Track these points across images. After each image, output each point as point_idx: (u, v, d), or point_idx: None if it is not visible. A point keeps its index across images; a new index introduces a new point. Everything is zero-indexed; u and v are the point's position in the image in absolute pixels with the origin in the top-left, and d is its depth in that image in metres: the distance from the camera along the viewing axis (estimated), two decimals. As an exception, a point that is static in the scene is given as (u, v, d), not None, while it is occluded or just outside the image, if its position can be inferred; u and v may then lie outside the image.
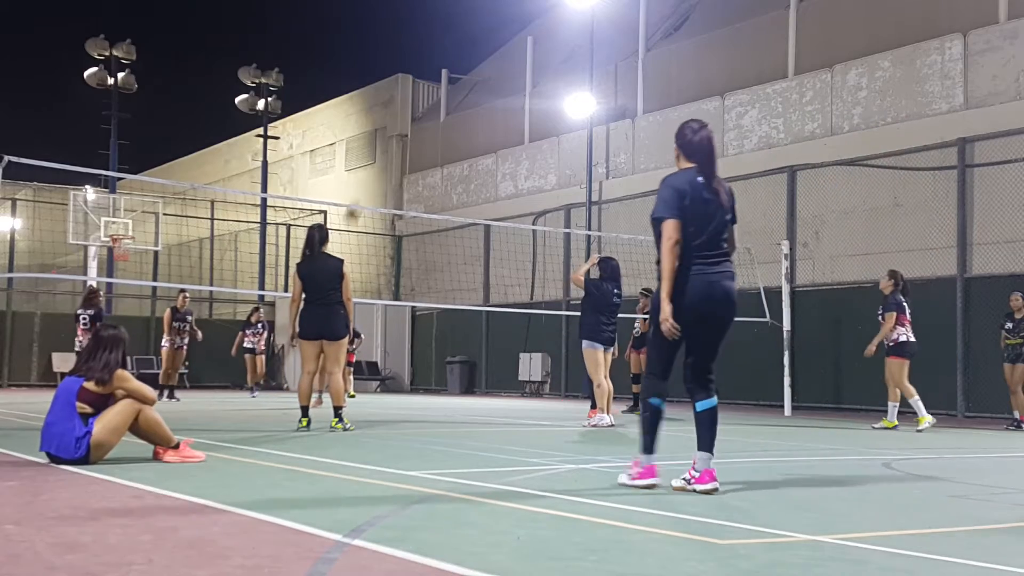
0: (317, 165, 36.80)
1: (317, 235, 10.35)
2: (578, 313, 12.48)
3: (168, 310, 18.36)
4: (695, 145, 5.79)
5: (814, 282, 19.68)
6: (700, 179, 5.72)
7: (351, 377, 20.14)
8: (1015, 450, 9.95)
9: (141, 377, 7.73)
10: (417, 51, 73.96)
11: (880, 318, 12.86)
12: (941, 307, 16.97)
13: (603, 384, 11.82)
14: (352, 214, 32.14)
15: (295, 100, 36.61)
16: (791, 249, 18.79)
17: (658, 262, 5.71)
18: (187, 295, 18.53)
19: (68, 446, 6.39)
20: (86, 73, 29.92)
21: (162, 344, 18.19)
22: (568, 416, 14.81)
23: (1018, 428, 13.35)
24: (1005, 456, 9.29)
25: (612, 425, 11.68)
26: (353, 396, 19.28)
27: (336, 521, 4.33)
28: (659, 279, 5.69)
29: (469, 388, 27.21)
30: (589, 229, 23.63)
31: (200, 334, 18.35)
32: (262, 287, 30.57)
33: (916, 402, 12.51)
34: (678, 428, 10.38)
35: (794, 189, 20.18)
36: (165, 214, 26.01)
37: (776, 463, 7.83)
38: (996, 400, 15.48)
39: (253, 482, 5.89)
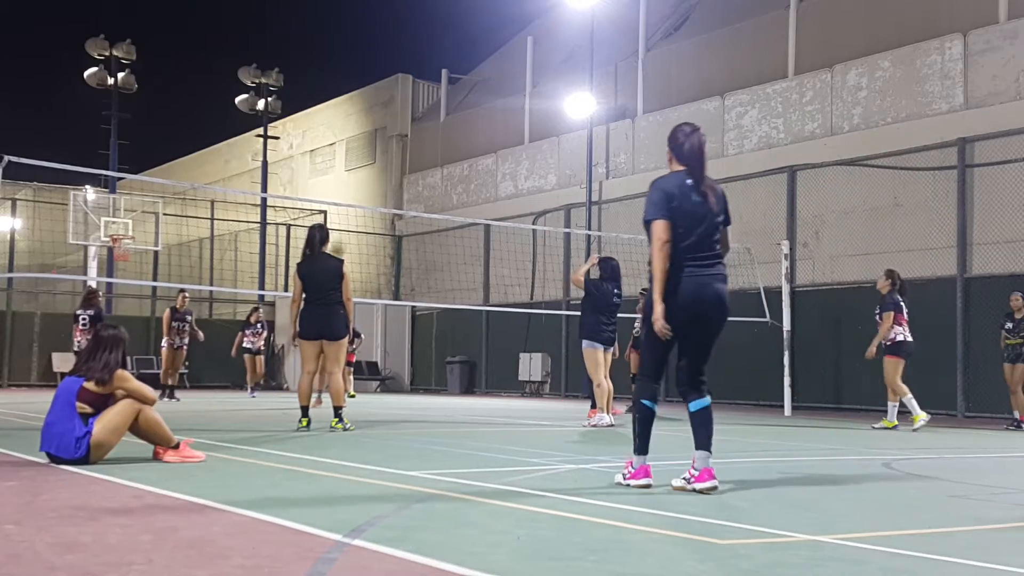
0: (317, 165, 36.81)
1: (318, 235, 10.35)
2: (578, 313, 12.49)
3: (168, 310, 18.36)
4: (686, 148, 5.86)
5: (814, 282, 19.68)
6: (689, 182, 5.79)
7: (351, 377, 20.14)
8: (1015, 450, 9.95)
9: (141, 377, 7.73)
10: (417, 51, 74.02)
11: (878, 318, 12.87)
12: (941, 307, 16.97)
13: (603, 384, 11.82)
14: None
15: (295, 100, 36.66)
16: (791, 249, 18.79)
17: (650, 263, 5.79)
18: (186, 295, 18.52)
19: (68, 446, 6.39)
20: (86, 73, 29.91)
21: (162, 344, 18.20)
22: (568, 416, 14.81)
23: (1018, 428, 13.35)
24: (1005, 456, 9.29)
25: (612, 425, 11.68)
26: (353, 396, 19.27)
27: (336, 521, 4.33)
28: (651, 280, 5.75)
29: (469, 388, 27.21)
30: (589, 229, 23.63)
31: (201, 334, 18.34)
32: (262, 287, 30.57)
33: (909, 400, 12.52)
34: (676, 428, 10.38)
35: (794, 189, 20.18)
36: (165, 214, 26.01)
37: (776, 463, 7.83)
38: (996, 400, 15.48)
39: (253, 482, 5.90)
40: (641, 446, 5.78)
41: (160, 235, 24.23)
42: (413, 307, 28.95)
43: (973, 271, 17.12)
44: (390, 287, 31.26)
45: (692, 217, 5.71)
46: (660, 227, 5.65)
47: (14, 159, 10.31)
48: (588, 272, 12.33)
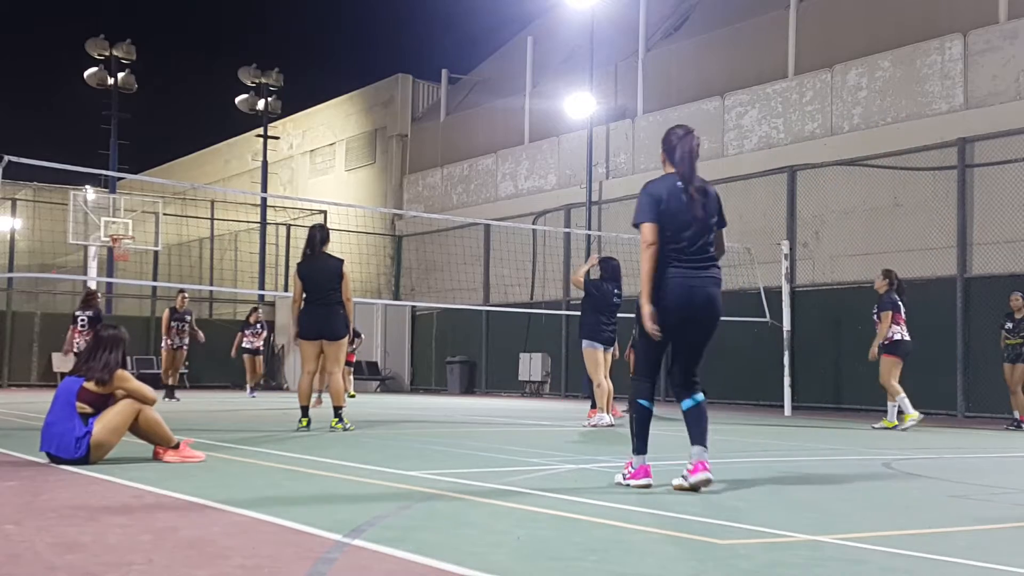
0: (317, 165, 36.81)
1: (319, 235, 10.35)
2: (578, 313, 12.49)
3: (167, 310, 18.34)
4: (678, 151, 5.92)
5: (814, 282, 19.68)
6: (679, 184, 5.83)
7: (351, 377, 20.14)
8: (1015, 450, 9.95)
9: (141, 377, 7.73)
10: (417, 51, 74.02)
11: (876, 318, 12.87)
12: (941, 307, 16.98)
13: (603, 384, 11.82)
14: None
15: (295, 100, 36.66)
16: (791, 249, 18.79)
17: None
18: (186, 295, 18.50)
19: (68, 446, 6.39)
20: (86, 73, 29.92)
21: (162, 345, 18.19)
22: (568, 416, 14.81)
23: (1018, 428, 13.35)
24: (1005, 456, 9.29)
25: (612, 425, 11.67)
26: (353, 396, 19.27)
27: (336, 521, 4.33)
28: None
29: (469, 388, 27.21)
30: (589, 229, 23.63)
31: (201, 335, 18.30)
32: (262, 287, 30.57)
33: (902, 399, 12.52)
34: (676, 428, 10.36)
35: (794, 189, 20.18)
36: (165, 214, 26.01)
37: (776, 463, 7.83)
38: (996, 400, 15.47)
39: (253, 482, 5.90)
40: (640, 446, 5.81)
41: (160, 235, 24.23)
42: (413, 307, 28.96)
43: (973, 271, 17.12)
44: (390, 287, 31.27)
45: (682, 219, 5.76)
46: (647, 230, 5.73)
47: (14, 159, 10.31)
48: (588, 272, 12.33)
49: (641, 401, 5.85)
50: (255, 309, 20.87)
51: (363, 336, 22.07)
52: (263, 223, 31.21)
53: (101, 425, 6.44)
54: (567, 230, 23.79)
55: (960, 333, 16.89)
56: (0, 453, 7.26)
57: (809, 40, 21.06)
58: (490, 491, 5.52)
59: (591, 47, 24.66)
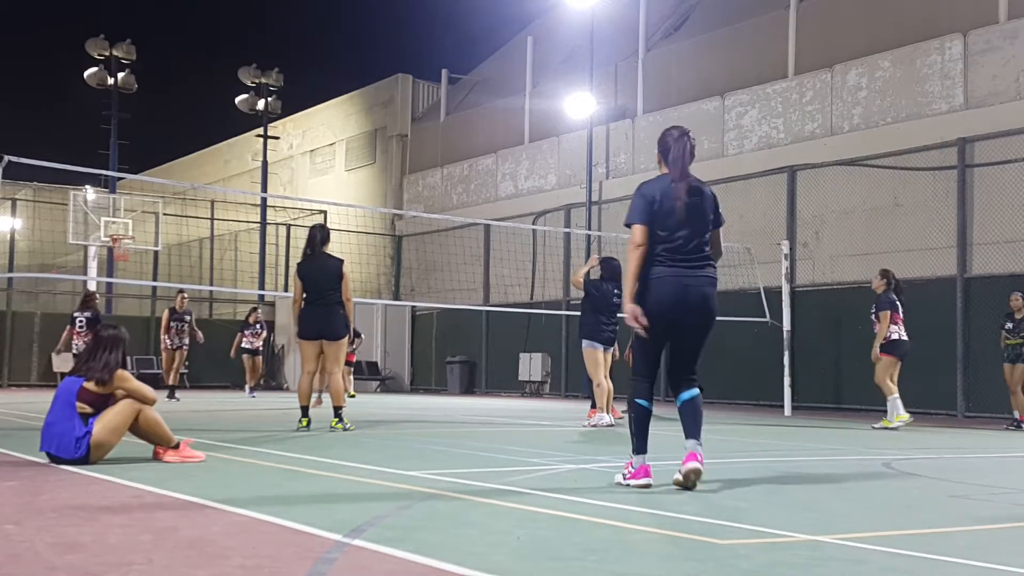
0: (317, 165, 36.80)
1: (319, 235, 10.36)
2: (578, 313, 12.50)
3: (166, 311, 18.34)
4: (672, 152, 5.96)
5: (814, 282, 19.68)
6: (674, 185, 5.86)
7: (351, 377, 20.14)
8: (1015, 450, 9.95)
9: (141, 377, 7.73)
10: (417, 51, 74.03)
11: (874, 318, 12.87)
12: (941, 307, 16.98)
13: (603, 384, 11.83)
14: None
15: (295, 100, 36.66)
16: (791, 249, 18.79)
17: None
18: (185, 296, 18.49)
19: (68, 446, 6.39)
20: (86, 73, 29.91)
21: (161, 345, 18.19)
22: (568, 416, 14.81)
23: (1018, 428, 13.35)
24: (1005, 456, 9.29)
25: (612, 425, 11.68)
26: (353, 396, 19.27)
27: (336, 521, 4.33)
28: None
29: (469, 388, 27.21)
30: (589, 229, 23.63)
31: (201, 335, 18.30)
32: (262, 287, 30.57)
33: (895, 399, 12.52)
34: (675, 428, 10.36)
35: (794, 189, 20.18)
36: (165, 214, 26.02)
37: (776, 463, 7.83)
38: (996, 400, 15.47)
39: (253, 482, 5.90)
40: (640, 445, 5.81)
41: (160, 235, 24.24)
42: (413, 307, 28.95)
43: (973, 271, 17.12)
44: (390, 287, 31.26)
45: (676, 220, 5.81)
46: (636, 231, 5.80)
47: (14, 159, 10.30)
48: (588, 272, 12.34)
49: (640, 401, 5.87)
50: (254, 309, 20.86)
51: (363, 336, 22.07)
52: (263, 223, 31.21)
53: (101, 425, 6.45)
54: (567, 230, 23.79)
55: (960, 333, 16.89)
56: (0, 453, 7.26)
57: (809, 40, 21.06)
58: (490, 491, 5.52)
59: (591, 47, 24.66)
